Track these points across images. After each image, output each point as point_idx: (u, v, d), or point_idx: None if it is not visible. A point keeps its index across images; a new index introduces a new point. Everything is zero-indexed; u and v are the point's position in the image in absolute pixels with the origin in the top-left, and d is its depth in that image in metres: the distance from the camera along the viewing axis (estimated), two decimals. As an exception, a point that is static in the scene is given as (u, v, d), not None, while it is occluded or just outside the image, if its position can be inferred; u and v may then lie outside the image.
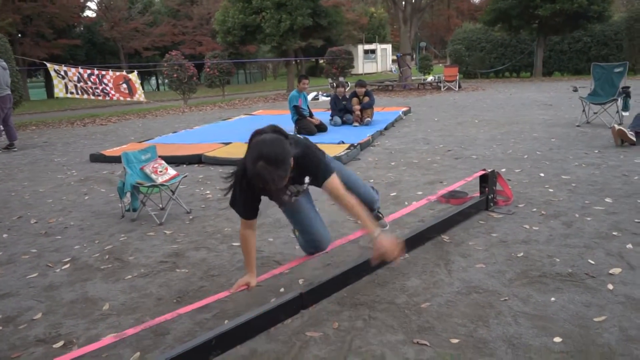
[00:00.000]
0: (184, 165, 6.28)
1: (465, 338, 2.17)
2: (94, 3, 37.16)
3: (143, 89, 18.12)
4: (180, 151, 6.77)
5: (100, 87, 13.34)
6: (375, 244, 2.34)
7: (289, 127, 7.54)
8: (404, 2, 18.61)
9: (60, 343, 2.36)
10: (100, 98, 13.36)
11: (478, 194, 3.91)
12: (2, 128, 8.47)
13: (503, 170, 5.03)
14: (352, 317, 2.41)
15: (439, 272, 2.83)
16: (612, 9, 19.57)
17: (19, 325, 2.56)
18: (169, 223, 4.04)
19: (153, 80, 39.46)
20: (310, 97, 16.02)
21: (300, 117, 7.82)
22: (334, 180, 2.35)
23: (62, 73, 12.63)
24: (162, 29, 31.36)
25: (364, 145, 6.66)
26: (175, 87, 16.37)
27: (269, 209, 4.07)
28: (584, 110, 7.73)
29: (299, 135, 2.49)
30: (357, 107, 8.51)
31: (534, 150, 5.96)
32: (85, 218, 4.35)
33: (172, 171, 4.30)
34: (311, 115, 8.11)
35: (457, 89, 16.53)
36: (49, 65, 12.79)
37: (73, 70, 12.84)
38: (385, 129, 8.23)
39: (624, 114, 7.48)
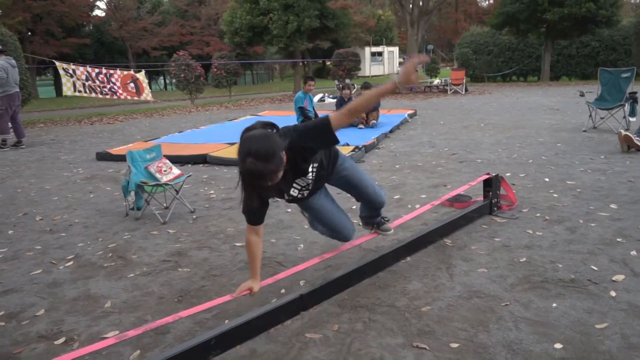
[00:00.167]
0: (189, 165, 6.30)
1: (465, 343, 2.16)
2: (103, 2, 37.43)
3: (151, 88, 18.24)
4: (185, 151, 6.80)
5: (108, 86, 13.42)
6: (400, 79, 2.11)
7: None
8: (411, 5, 18.61)
9: (62, 340, 2.38)
10: (107, 97, 13.44)
11: (482, 198, 3.90)
12: (11, 125, 8.53)
13: (508, 174, 5.01)
14: (352, 319, 2.41)
15: (441, 276, 2.83)
16: (621, 14, 19.47)
17: (21, 321, 2.58)
18: (172, 222, 4.06)
19: (161, 80, 39.63)
20: (316, 98, 16.03)
21: (306, 118, 7.82)
22: (334, 118, 2.14)
23: (71, 71, 12.72)
24: (170, 28, 31.48)
25: (368, 148, 6.66)
26: (183, 87, 16.43)
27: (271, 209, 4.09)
28: (590, 116, 7.69)
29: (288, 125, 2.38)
30: (363, 109, 8.49)
31: (540, 155, 5.93)
32: (90, 216, 4.37)
33: (176, 170, 4.32)
34: (316, 116, 8.11)
35: (463, 93, 16.49)
36: (57, 63, 12.89)
37: (81, 69, 12.93)
38: (391, 131, 8.22)
39: (631, 119, 7.43)
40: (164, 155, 4.59)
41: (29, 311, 2.67)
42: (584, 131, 7.53)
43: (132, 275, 3.08)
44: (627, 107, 7.32)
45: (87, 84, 12.92)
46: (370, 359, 2.09)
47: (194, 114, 13.98)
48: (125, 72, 13.94)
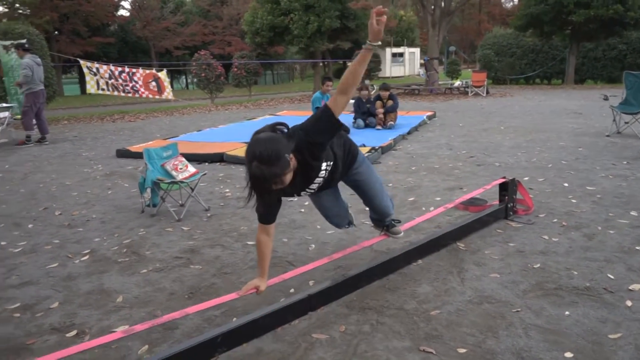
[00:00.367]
0: (206, 163, 6.35)
1: (473, 348, 2.13)
2: (127, 2, 38.04)
3: (172, 87, 18.45)
4: (203, 149, 6.86)
5: (130, 85, 13.64)
6: (372, 39, 2.09)
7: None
8: (433, 6, 18.45)
9: (74, 332, 2.42)
10: (130, 95, 13.66)
11: (497, 202, 3.85)
12: (35, 122, 8.73)
13: (526, 178, 4.93)
14: (359, 321, 2.40)
15: (452, 280, 2.80)
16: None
17: (36, 313, 2.63)
18: (187, 219, 4.10)
19: (183, 79, 40.10)
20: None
21: (323, 119, 7.82)
22: (331, 104, 2.14)
23: (95, 70, 12.96)
24: (192, 28, 31.82)
25: (385, 149, 6.63)
26: (203, 86, 16.60)
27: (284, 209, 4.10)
28: (614, 120, 7.52)
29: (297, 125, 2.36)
30: (381, 110, 8.47)
31: (560, 160, 5.82)
32: (107, 212, 4.45)
33: (192, 168, 4.36)
34: (334, 117, 8.09)
35: (484, 95, 16.29)
36: (82, 62, 13.15)
37: (105, 67, 13.16)
38: (408, 133, 8.16)
39: (656, 124, 7.24)
40: (181, 154, 4.64)
41: (43, 303, 2.73)
42: (607, 136, 7.36)
43: (144, 270, 3.12)
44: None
45: (110, 82, 13.16)
46: (376, 361, 2.08)
47: (213, 112, 14.11)
48: (148, 71, 14.14)
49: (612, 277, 2.75)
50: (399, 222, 3.04)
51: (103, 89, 13.07)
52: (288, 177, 2.02)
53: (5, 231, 4.00)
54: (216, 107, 15.66)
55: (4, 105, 9.47)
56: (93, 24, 27.51)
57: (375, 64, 21.10)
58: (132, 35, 31.90)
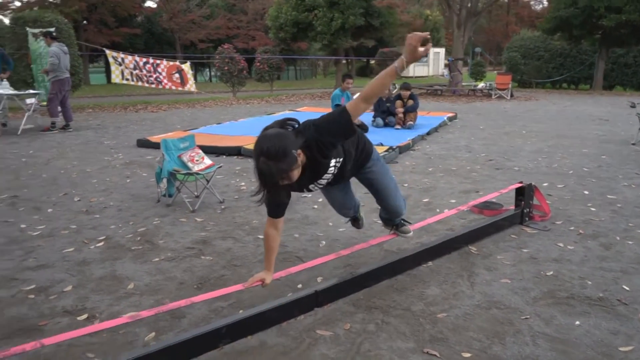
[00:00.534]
0: (224, 156, 6.40)
1: (478, 353, 2.11)
2: (156, -6, 38.46)
3: (196, 79, 18.64)
4: (221, 142, 6.92)
5: (154, 76, 13.83)
6: (406, 56, 2.10)
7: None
8: (459, 6, 18.22)
9: (85, 316, 2.47)
10: (153, 86, 13.84)
11: (513, 207, 3.79)
12: (60, 109, 8.91)
13: (545, 184, 4.85)
14: (365, 319, 2.39)
15: (461, 284, 2.77)
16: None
17: (50, 295, 2.69)
18: (201, 211, 4.14)
19: (206, 72, 40.45)
20: (356, 96, 15.95)
21: (342, 116, 7.80)
22: (351, 108, 2.13)
23: (120, 60, 13.18)
24: (217, 22, 32.04)
25: (403, 149, 6.58)
26: (226, 79, 16.72)
27: (297, 204, 4.12)
28: (640, 128, 7.33)
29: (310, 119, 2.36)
30: (400, 109, 8.42)
31: (581, 166, 5.71)
32: (124, 200, 4.52)
33: (207, 161, 4.40)
34: (353, 115, 8.07)
35: (508, 98, 16.04)
36: (107, 51, 13.38)
37: (130, 57, 13.37)
38: (428, 133, 8.09)
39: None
40: (200, 146, 4.69)
41: (57, 286, 2.79)
42: (633, 144, 7.18)
43: (156, 259, 3.17)
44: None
45: (134, 72, 13.36)
46: (379, 361, 2.07)
47: (234, 106, 14.20)
48: (172, 63, 14.31)
49: (627, 288, 2.69)
50: (409, 222, 3.02)
51: (127, 79, 13.29)
52: (296, 173, 2.03)
53: (25, 214, 4.10)
54: (237, 100, 15.76)
55: (31, 91, 9.68)
56: (120, 14, 27.91)
57: (398, 63, 20.90)
58: (158, 27, 32.29)
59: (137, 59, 13.45)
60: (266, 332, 2.28)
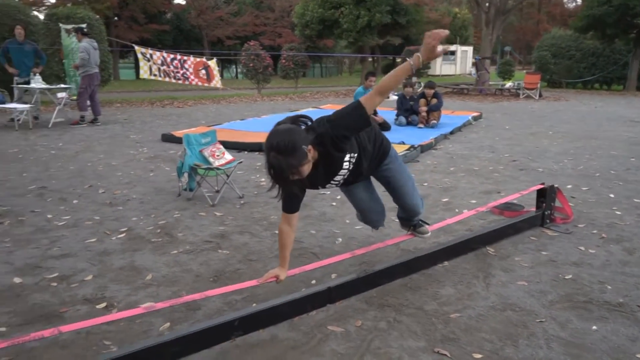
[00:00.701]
0: (246, 152, 6.46)
1: (489, 355, 2.09)
2: (185, -9, 38.99)
3: (222, 76, 18.88)
4: (244, 138, 6.98)
5: (181, 72, 14.02)
6: (423, 53, 2.15)
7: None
8: (487, 4, 17.92)
9: (103, 305, 2.54)
10: (180, 82, 14.05)
11: (534, 209, 3.73)
12: (89, 103, 9.13)
13: (569, 186, 4.74)
14: (377, 317, 2.40)
15: (476, 284, 2.74)
16: None
17: (71, 283, 2.78)
18: (220, 205, 4.20)
19: (233, 68, 40.85)
20: (371, 91, 15.87)
21: (365, 114, 7.77)
22: (365, 102, 2.16)
23: (148, 56, 13.41)
24: (245, 19, 32.34)
25: (424, 148, 6.53)
26: (251, 76, 16.86)
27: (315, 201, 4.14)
28: (674, 131, 7.09)
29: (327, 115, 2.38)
30: (424, 108, 8.34)
31: (609, 169, 5.56)
32: (147, 193, 4.61)
33: (228, 156, 4.45)
34: (375, 113, 8.04)
35: (537, 98, 15.72)
36: (136, 47, 13.62)
37: (158, 53, 13.59)
38: (451, 133, 8.00)
39: None
40: (222, 141, 4.76)
41: (78, 275, 2.88)
42: (665, 147, 6.96)
43: (175, 252, 3.23)
44: None
45: (162, 68, 13.58)
46: (389, 358, 2.07)
47: (259, 103, 14.31)
48: (198, 59, 14.49)
49: (649, 294, 2.62)
50: (427, 223, 3.00)
51: (155, 75, 13.51)
52: (306, 168, 2.05)
53: (52, 205, 4.23)
54: (262, 97, 15.88)
55: (62, 86, 9.95)
56: (150, 11, 28.45)
57: (424, 61, 20.70)
58: (187, 24, 32.77)
59: (165, 55, 13.67)
60: (278, 327, 2.30)
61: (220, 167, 4.28)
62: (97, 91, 9.27)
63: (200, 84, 14.57)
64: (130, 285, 2.76)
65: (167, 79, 13.78)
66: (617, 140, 7.58)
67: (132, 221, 3.83)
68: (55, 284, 2.77)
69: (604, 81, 21.60)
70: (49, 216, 3.93)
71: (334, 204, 4.23)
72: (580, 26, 19.53)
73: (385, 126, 7.87)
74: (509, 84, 17.93)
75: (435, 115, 8.37)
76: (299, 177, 2.05)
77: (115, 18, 28.02)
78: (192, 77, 14.21)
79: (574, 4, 49.62)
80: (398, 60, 29.70)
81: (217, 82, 14.74)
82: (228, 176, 4.38)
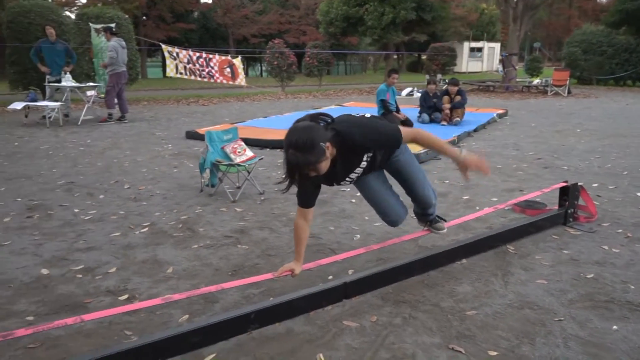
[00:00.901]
0: (268, 149, 6.52)
1: (505, 352, 2.08)
2: (211, -10, 39.47)
3: (247, 74, 19.06)
4: (266, 135, 7.05)
5: (207, 70, 14.23)
6: (462, 164, 2.44)
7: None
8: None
9: (125, 296, 2.62)
10: (205, 80, 14.26)
11: (557, 207, 3.66)
12: (117, 101, 9.36)
13: (595, 185, 4.64)
14: (392, 313, 2.40)
15: (494, 282, 2.72)
16: None
17: (96, 275, 2.87)
18: (241, 201, 4.26)
19: (258, 67, 41.14)
20: (404, 92, 15.78)
21: (387, 111, 7.76)
22: (406, 134, 2.33)
23: (175, 54, 13.65)
24: (270, 17, 32.55)
25: (447, 145, 6.46)
26: (275, 74, 16.97)
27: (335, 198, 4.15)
28: None
29: (353, 114, 2.44)
30: (447, 105, 8.26)
31: (637, 168, 5.41)
32: (170, 188, 4.71)
33: (249, 153, 4.51)
34: (398, 110, 8.02)
35: (565, 95, 15.36)
36: (163, 46, 13.89)
37: (184, 52, 13.82)
38: (475, 130, 7.90)
39: None
40: (245, 138, 4.82)
41: (103, 268, 2.97)
42: (699, 145, 6.73)
43: (196, 246, 3.29)
44: None
45: (188, 66, 13.81)
46: (403, 354, 2.08)
47: (282, 100, 14.39)
48: (223, 57, 14.66)
49: (674, 295, 2.55)
50: (444, 220, 2.98)
51: (181, 73, 13.75)
52: (324, 165, 2.08)
53: (80, 200, 4.36)
54: (286, 95, 15.96)
55: (91, 84, 10.22)
56: (177, 10, 28.89)
57: (450, 58, 20.49)
58: (213, 22, 33.15)
59: (191, 53, 13.89)
60: (294, 320, 2.33)
61: (241, 164, 4.34)
62: (124, 89, 9.49)
63: (225, 82, 14.75)
64: (152, 278, 2.83)
65: (192, 77, 14.01)
66: (648, 138, 7.36)
67: (155, 216, 3.92)
68: (80, 275, 2.87)
69: (637, 78, 20.94)
70: (76, 210, 4.05)
71: (354, 200, 4.24)
72: (613, 21, 19.02)
73: (407, 123, 7.82)
74: (536, 81, 17.57)
75: (459, 112, 8.27)
76: (317, 173, 2.08)
77: (144, 17, 28.57)
78: (217, 75, 14.40)
79: (606, -2, 48.19)
80: (423, 57, 29.43)
81: (241, 80, 14.90)
82: (249, 172, 4.43)
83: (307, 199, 2.38)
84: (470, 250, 3.03)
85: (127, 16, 14.18)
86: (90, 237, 3.47)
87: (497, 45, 38.13)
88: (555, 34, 48.02)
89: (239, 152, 4.45)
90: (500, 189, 4.61)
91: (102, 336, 2.24)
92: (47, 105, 8.83)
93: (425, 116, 8.48)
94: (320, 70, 18.92)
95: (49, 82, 9.31)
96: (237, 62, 14.78)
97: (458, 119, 8.21)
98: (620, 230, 3.48)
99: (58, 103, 8.97)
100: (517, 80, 18.65)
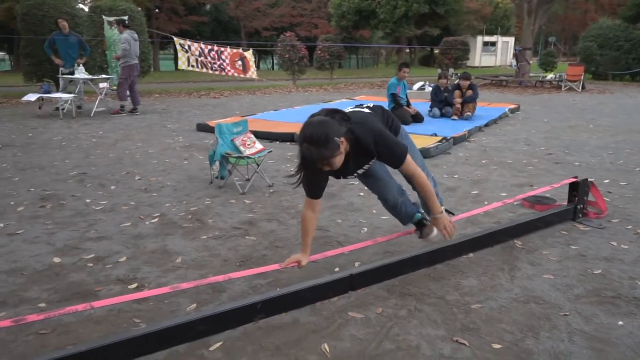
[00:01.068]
0: (277, 142, 6.55)
1: (509, 345, 2.09)
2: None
3: (259, 67, 19.10)
4: (276, 128, 7.07)
5: (218, 63, 14.25)
6: (434, 220, 2.54)
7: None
8: (530, -7, 17.37)
9: (135, 285, 2.66)
10: (217, 73, 14.29)
11: (566, 203, 3.64)
12: (129, 93, 9.44)
13: (606, 181, 4.60)
14: (397, 305, 2.42)
15: (500, 276, 2.72)
16: None
17: (106, 264, 2.92)
18: (250, 194, 4.29)
19: (270, 60, 41.14)
20: (416, 86, 15.71)
21: (397, 105, 7.74)
22: (409, 163, 2.39)
23: (186, 47, 13.69)
24: (282, 10, 32.48)
25: (457, 140, 6.44)
26: (286, 67, 16.96)
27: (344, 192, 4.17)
28: None
29: (367, 112, 2.48)
30: (458, 100, 8.21)
31: (651, 164, 5.35)
32: (180, 180, 4.76)
33: (259, 145, 4.53)
34: (409, 104, 7.99)
35: (579, 90, 15.17)
36: (175, 39, 13.93)
37: (196, 45, 13.85)
38: (486, 125, 7.85)
39: None
40: (255, 131, 4.84)
41: (113, 257, 3.02)
42: None
43: (204, 237, 3.33)
44: None
45: (199, 59, 13.84)
46: (407, 345, 2.10)
47: (293, 93, 14.40)
48: (235, 50, 14.68)
49: (682, 292, 2.53)
50: (452, 213, 2.99)
51: (193, 66, 13.79)
52: (338, 160, 2.13)
53: (91, 190, 4.42)
54: (297, 88, 15.96)
55: (104, 76, 10.31)
56: (190, 3, 28.94)
57: (462, 52, 20.31)
58: (225, 15, 33.17)
59: (203, 46, 13.92)
60: (300, 311, 2.36)
61: (250, 156, 4.36)
62: (136, 82, 9.56)
63: (236, 74, 14.77)
64: (161, 268, 2.88)
65: (204, 70, 14.04)
66: (663, 135, 7.26)
67: (165, 207, 3.96)
68: (91, 264, 2.92)
69: (655, 73, 20.59)
70: (88, 201, 4.11)
71: (362, 194, 4.25)
72: (630, 15, 18.73)
73: (418, 118, 7.80)
74: (550, 76, 17.37)
75: (470, 107, 8.21)
76: (330, 168, 2.13)
77: (156, 10, 28.68)
78: (228, 68, 14.42)
79: (623, -8, 47.30)
80: (436, 51, 29.20)
81: (252, 73, 14.91)
82: (258, 165, 4.46)
83: (315, 191, 2.41)
84: (477, 245, 3.03)
85: (139, 9, 14.25)
86: (101, 226, 3.53)
87: (511, 40, 37.67)
88: (570, 28, 47.28)
89: (249, 144, 4.47)
90: (509, 184, 4.59)
91: (112, 323, 2.29)
92: (60, 97, 8.93)
93: (436, 110, 8.44)
94: (332, 64, 18.88)
95: (63, 74, 9.42)
96: (249, 55, 14.78)
97: (469, 113, 8.15)
98: (630, 227, 3.45)
99: (71, 95, 9.07)
100: (531, 75, 18.45)
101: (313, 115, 2.23)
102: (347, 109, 2.55)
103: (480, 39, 34.76)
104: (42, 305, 2.45)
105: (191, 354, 2.05)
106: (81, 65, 9.43)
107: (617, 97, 13.35)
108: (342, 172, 2.47)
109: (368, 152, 2.35)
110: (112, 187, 4.52)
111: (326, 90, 15.59)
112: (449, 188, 4.43)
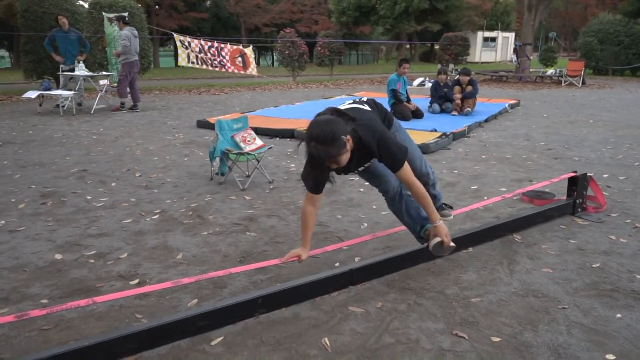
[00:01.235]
0: (277, 138, 6.56)
1: (508, 338, 2.10)
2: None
3: (259, 63, 19.07)
4: (276, 124, 7.08)
5: (218, 59, 14.24)
6: (433, 229, 2.49)
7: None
8: (530, -12, 17.32)
9: (136, 281, 2.68)
10: (217, 69, 14.27)
11: (565, 197, 3.65)
12: (129, 90, 9.44)
13: (605, 175, 4.61)
14: (397, 299, 2.44)
15: (500, 270, 2.74)
16: None
17: (107, 261, 2.94)
18: (250, 190, 4.30)
19: (270, 56, 41.08)
20: (417, 82, 15.70)
21: (398, 101, 7.74)
22: (406, 170, 2.39)
23: (186, 44, 13.67)
24: (282, 6, 32.41)
25: (457, 135, 6.45)
26: (286, 63, 16.95)
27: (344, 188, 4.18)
28: None
29: (366, 109, 2.49)
30: (458, 95, 8.21)
31: (650, 158, 5.36)
32: (180, 177, 4.77)
33: (259, 141, 4.54)
34: (409, 100, 7.99)
35: (579, 85, 15.16)
36: (175, 35, 13.90)
37: (196, 41, 13.83)
38: (486, 120, 7.86)
39: None
40: (255, 128, 4.85)
41: (114, 253, 3.04)
42: None
43: (205, 233, 3.35)
44: None
45: (199, 56, 13.82)
46: (407, 339, 2.12)
47: (293, 90, 14.39)
48: (235, 47, 14.67)
49: (680, 285, 2.55)
50: (451, 207, 3.00)
51: (193, 62, 13.77)
52: (344, 158, 2.17)
53: (92, 187, 4.44)
54: (297, 84, 15.95)
55: (104, 73, 10.31)
56: (190, -1, 28.87)
57: (462, 48, 20.28)
58: (225, 11, 33.11)
59: (203, 42, 13.90)
60: (300, 306, 2.38)
61: (250, 153, 4.38)
62: (136, 78, 9.56)
63: (236, 71, 14.76)
64: (162, 264, 2.89)
65: (204, 67, 14.02)
66: (663, 129, 7.27)
67: (165, 203, 3.98)
68: (92, 260, 2.94)
69: (655, 68, 20.55)
70: (89, 197, 4.13)
71: (362, 189, 4.26)
72: (630, 10, 18.67)
73: (417, 114, 7.80)
74: (550, 71, 17.34)
75: (470, 102, 8.22)
76: (337, 165, 2.16)
77: (156, 6, 28.64)
78: (228, 64, 14.41)
79: (624, -14, 47.14)
80: (436, 47, 29.13)
81: (252, 69, 14.90)
82: (258, 161, 4.48)
83: (318, 186, 2.43)
84: (477, 239, 3.05)
85: (139, 5, 14.23)
86: (102, 223, 3.54)
87: (511, 35, 37.60)
88: (571, 24, 47.17)
89: (249, 141, 4.49)
90: (509, 179, 4.60)
91: (114, 319, 2.31)
92: (60, 94, 8.94)
93: (436, 106, 8.44)
94: (332, 60, 18.86)
95: (63, 71, 9.42)
96: (249, 51, 14.76)
97: (469, 109, 8.16)
98: (628, 221, 3.47)
99: (71, 92, 9.07)
100: (531, 70, 18.42)
101: (319, 115, 2.28)
102: (344, 104, 2.57)
103: (480, 35, 34.70)
104: (44, 301, 2.47)
105: (192, 349, 2.06)
106: (81, 62, 9.43)
107: (617, 92, 13.34)
108: (344, 169, 2.48)
109: (370, 152, 2.37)
110: (113, 184, 4.53)
111: (326, 87, 15.58)
112: (448, 183, 4.44)
